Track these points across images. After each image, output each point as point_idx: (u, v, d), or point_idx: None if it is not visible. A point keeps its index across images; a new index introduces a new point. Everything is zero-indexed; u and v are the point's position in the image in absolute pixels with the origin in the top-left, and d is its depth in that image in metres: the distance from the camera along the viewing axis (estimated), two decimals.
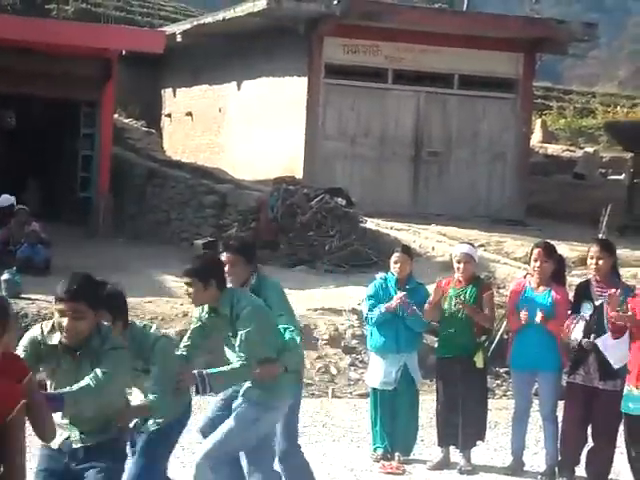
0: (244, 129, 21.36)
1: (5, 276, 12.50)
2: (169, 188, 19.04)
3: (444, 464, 8.46)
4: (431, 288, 8.50)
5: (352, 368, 11.78)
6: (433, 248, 15.92)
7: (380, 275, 8.73)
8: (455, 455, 8.52)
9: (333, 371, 11.60)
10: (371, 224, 17.15)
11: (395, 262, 8.48)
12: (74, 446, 5.03)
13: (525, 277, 8.63)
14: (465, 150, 20.27)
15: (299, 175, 18.60)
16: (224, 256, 6.49)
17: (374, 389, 8.65)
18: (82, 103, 18.66)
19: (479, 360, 8.33)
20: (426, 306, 8.33)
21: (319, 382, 11.30)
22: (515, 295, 8.46)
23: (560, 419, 8.27)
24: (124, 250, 16.87)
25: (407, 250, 8.87)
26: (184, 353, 6.17)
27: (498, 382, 11.67)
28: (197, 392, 5.97)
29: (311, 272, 15.63)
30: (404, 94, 19.88)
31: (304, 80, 19.28)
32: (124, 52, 19.69)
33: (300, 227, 16.30)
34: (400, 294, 8.34)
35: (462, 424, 8.36)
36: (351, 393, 11.32)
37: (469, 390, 8.37)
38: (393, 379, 8.41)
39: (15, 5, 26.60)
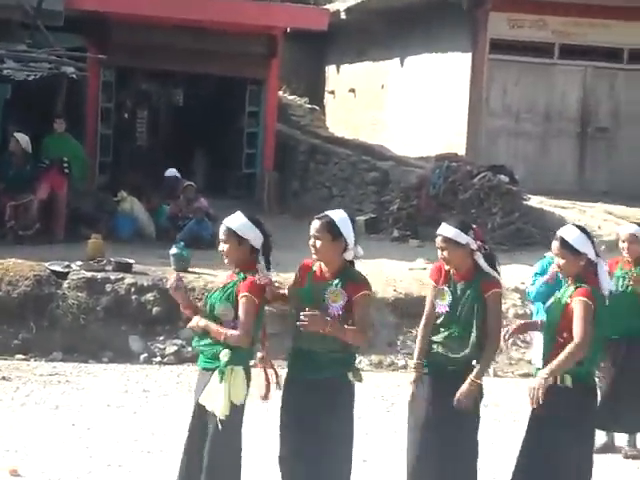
0: (406, 105, 21.31)
1: (174, 250, 12.77)
2: (332, 165, 19.19)
3: (608, 448, 8.31)
4: None
5: (514, 347, 11.66)
6: (599, 227, 15.55)
7: (549, 254, 8.56)
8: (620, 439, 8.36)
9: None
10: (535, 202, 16.87)
11: None
12: None
13: None
14: (635, 127, 19.61)
15: (461, 152, 18.44)
16: None
17: (539, 369, 8.51)
18: (248, 81, 18.89)
19: None
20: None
21: None
22: None
23: None
24: (290, 226, 17.04)
25: None
26: None
27: None
28: None
29: None
30: (570, 69, 19.44)
31: (468, 56, 19.07)
32: (288, 30, 19.88)
33: (462, 204, 16.19)
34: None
35: (628, 408, 8.17)
36: (512, 372, 11.22)
37: (637, 372, 8.18)
38: None
39: None
